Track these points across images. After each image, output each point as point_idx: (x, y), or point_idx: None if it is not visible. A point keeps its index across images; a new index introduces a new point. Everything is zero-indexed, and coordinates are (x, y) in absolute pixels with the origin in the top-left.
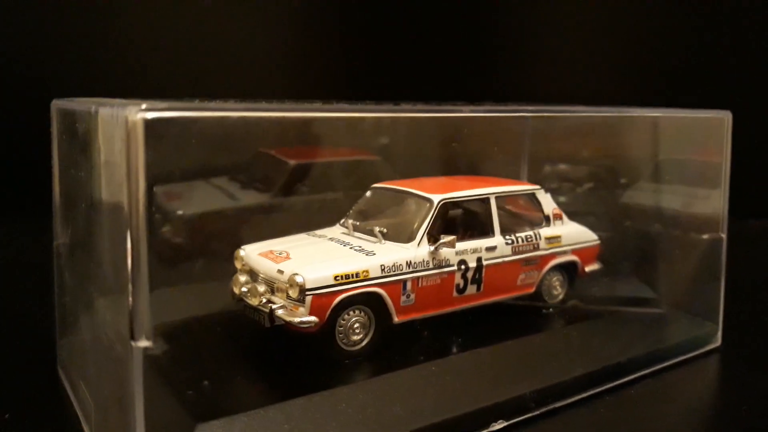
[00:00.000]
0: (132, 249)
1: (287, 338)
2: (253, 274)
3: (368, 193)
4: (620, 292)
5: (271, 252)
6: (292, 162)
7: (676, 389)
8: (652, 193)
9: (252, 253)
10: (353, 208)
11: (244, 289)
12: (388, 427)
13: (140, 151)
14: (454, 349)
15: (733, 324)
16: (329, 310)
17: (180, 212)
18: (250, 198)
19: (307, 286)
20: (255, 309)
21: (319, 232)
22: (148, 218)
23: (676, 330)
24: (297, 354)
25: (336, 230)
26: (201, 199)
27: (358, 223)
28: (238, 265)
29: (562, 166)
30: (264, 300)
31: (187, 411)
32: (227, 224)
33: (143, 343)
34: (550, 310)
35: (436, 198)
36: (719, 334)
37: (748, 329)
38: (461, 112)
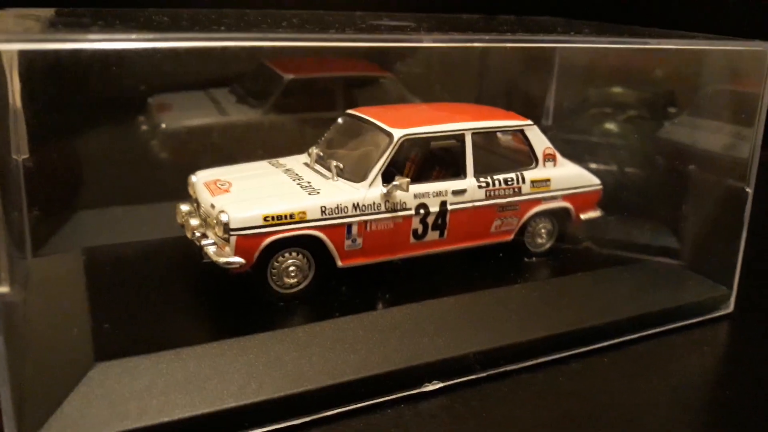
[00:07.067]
0: None
1: (224, 275)
2: (198, 204)
3: (339, 120)
4: (628, 236)
5: (215, 182)
6: (288, 76)
7: (665, 360)
8: (680, 127)
9: (200, 180)
10: (324, 135)
11: (181, 220)
12: (295, 380)
13: None
14: (403, 299)
15: (750, 289)
16: (257, 251)
17: None
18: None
19: (232, 226)
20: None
21: (282, 160)
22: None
23: (678, 291)
24: (231, 292)
25: (299, 159)
26: None
27: (321, 154)
28: (190, 191)
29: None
30: (198, 234)
31: (93, 348)
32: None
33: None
34: (533, 258)
35: (398, 133)
36: (732, 299)
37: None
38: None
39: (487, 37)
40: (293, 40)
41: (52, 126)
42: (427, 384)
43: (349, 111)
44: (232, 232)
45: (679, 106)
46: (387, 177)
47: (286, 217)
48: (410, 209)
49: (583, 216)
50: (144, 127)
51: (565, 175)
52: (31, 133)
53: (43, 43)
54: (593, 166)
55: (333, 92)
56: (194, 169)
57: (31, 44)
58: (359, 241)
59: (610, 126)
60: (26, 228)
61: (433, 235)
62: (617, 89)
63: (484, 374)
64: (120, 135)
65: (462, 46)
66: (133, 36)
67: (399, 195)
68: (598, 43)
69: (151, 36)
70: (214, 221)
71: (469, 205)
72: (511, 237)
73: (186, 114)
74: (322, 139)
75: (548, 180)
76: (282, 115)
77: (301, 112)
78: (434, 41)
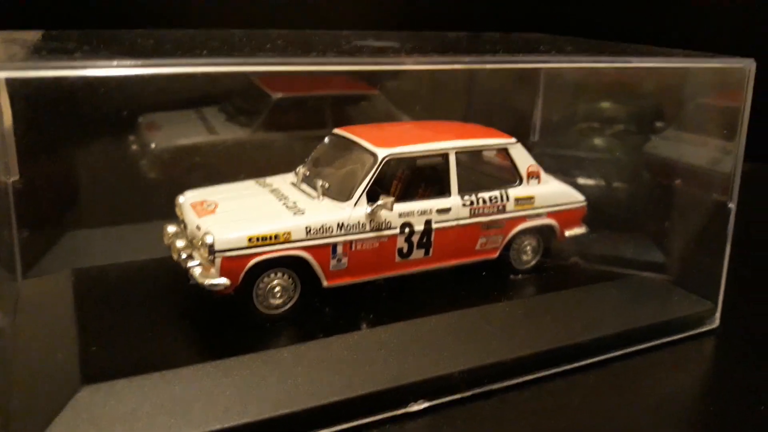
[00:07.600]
0: None
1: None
2: (185, 225)
3: (326, 140)
4: (614, 251)
5: (202, 203)
6: (277, 95)
7: (650, 376)
8: (666, 142)
9: (187, 201)
10: (311, 154)
11: (167, 241)
12: (280, 402)
13: None
14: (386, 319)
15: (735, 304)
16: (242, 273)
17: None
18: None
19: (217, 248)
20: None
21: (269, 179)
22: None
23: (664, 307)
24: (217, 313)
25: (286, 178)
26: None
27: (307, 173)
28: (177, 213)
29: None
30: (184, 256)
31: (80, 370)
32: None
33: None
34: (519, 276)
35: (382, 152)
36: (717, 314)
37: (751, 310)
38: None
39: (467, 59)
40: (275, 65)
41: (42, 147)
42: (412, 404)
43: (336, 130)
44: (216, 254)
45: (665, 120)
46: (372, 196)
47: (270, 238)
48: (395, 228)
49: (567, 233)
50: (134, 147)
51: (550, 193)
52: (21, 154)
53: (28, 71)
54: (580, 181)
55: (322, 110)
56: (185, 188)
57: (16, 72)
58: (344, 260)
59: (597, 141)
60: (16, 249)
61: (418, 253)
62: (603, 104)
63: (469, 393)
64: (110, 155)
65: (442, 68)
66: (115, 63)
67: (384, 214)
68: (579, 63)
69: (131, 63)
70: (200, 243)
71: (454, 223)
72: (496, 254)
73: (176, 133)
74: (309, 157)
75: (532, 197)
76: (271, 133)
77: (290, 130)
78: (415, 63)
